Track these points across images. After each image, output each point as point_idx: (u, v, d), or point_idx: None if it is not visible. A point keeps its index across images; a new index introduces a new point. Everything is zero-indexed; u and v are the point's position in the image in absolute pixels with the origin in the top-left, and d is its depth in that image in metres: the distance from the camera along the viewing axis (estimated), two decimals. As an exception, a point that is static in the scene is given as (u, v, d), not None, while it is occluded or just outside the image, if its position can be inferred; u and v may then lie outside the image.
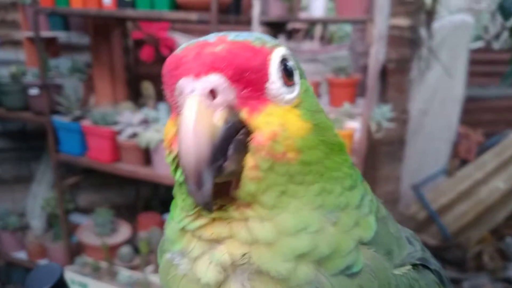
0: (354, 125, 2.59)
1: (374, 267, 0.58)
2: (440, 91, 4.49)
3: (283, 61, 0.57)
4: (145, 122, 2.88)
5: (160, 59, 3.69)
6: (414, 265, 0.64)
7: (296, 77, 0.59)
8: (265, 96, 0.55)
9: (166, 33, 3.60)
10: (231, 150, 0.51)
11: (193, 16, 2.40)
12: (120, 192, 4.12)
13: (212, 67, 0.51)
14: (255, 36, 0.57)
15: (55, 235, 3.47)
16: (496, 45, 6.25)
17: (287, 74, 0.57)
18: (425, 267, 0.66)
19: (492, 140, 4.80)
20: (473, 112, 5.00)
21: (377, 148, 3.50)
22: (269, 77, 0.55)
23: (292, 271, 0.53)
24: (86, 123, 2.93)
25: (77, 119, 3.00)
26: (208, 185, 0.48)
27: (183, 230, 0.58)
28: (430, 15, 3.53)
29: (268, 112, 0.54)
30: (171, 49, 3.60)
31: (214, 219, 0.55)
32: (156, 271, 3.05)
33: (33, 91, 3.03)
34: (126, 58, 3.61)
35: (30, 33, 3.33)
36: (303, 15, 2.95)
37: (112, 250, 3.18)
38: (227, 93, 0.51)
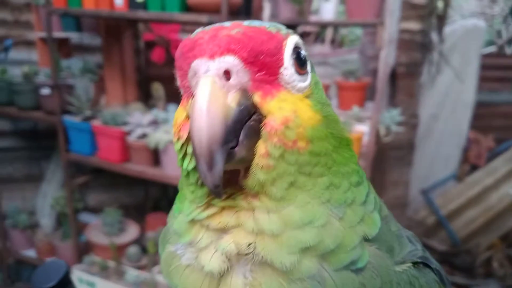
0: (362, 129, 2.58)
1: (377, 264, 0.58)
2: (451, 96, 4.46)
3: (296, 49, 0.57)
4: (155, 123, 2.90)
5: (171, 61, 3.71)
6: (415, 263, 0.64)
7: (308, 67, 0.59)
8: (278, 81, 0.55)
9: (177, 35, 3.62)
10: (242, 136, 0.51)
11: (203, 18, 2.42)
12: (129, 192, 4.15)
13: (227, 49, 0.51)
14: (270, 23, 0.57)
15: (64, 234, 3.50)
16: (509, 50, 6.20)
17: (300, 62, 0.57)
18: (426, 265, 0.66)
19: (503, 146, 4.75)
20: (484, 118, 4.95)
21: (386, 152, 3.48)
22: (283, 62, 0.55)
23: (296, 264, 0.53)
24: (96, 123, 2.96)
25: (88, 119, 3.03)
26: (219, 166, 0.48)
27: (192, 222, 0.59)
28: (442, 19, 3.51)
29: (281, 98, 0.54)
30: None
31: (222, 209, 0.56)
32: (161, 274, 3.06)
33: (45, 91, 3.07)
34: (137, 59, 3.64)
35: (43, 34, 3.37)
36: (313, 18, 2.96)
37: (120, 250, 3.20)
38: (241, 75, 0.52)
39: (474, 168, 4.67)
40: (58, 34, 3.45)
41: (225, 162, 0.49)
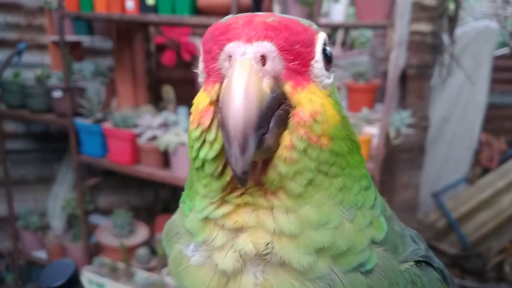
0: (372, 131, 2.57)
1: (384, 267, 0.58)
2: (462, 98, 4.42)
3: (324, 45, 0.58)
4: (165, 125, 2.91)
5: (181, 64, 3.74)
6: (417, 262, 0.64)
7: (333, 65, 0.60)
8: (309, 73, 0.55)
9: (187, 38, 3.64)
10: (272, 123, 0.50)
11: (213, 21, 2.41)
12: (139, 194, 4.17)
13: (264, 34, 0.51)
14: (300, 18, 0.58)
15: (74, 235, 3.53)
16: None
17: (327, 59, 0.58)
18: (428, 264, 0.66)
19: (515, 149, 4.70)
20: (495, 120, 4.90)
21: (396, 154, 3.46)
22: (315, 55, 0.56)
23: (312, 264, 0.53)
24: (107, 125, 2.98)
25: (99, 121, 3.05)
26: (251, 151, 0.47)
27: (205, 220, 0.57)
28: (453, 20, 3.49)
29: (311, 90, 0.54)
30: (192, 53, 3.64)
31: (238, 206, 0.55)
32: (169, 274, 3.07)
33: (57, 94, 3.10)
34: (147, 62, 3.67)
35: (55, 37, 3.41)
36: (323, 20, 2.95)
37: (129, 251, 3.22)
38: (277, 62, 0.51)
39: (485, 171, 4.63)
40: (70, 37, 3.49)
41: (256, 146, 0.48)
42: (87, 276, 3.07)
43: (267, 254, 0.53)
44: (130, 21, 2.97)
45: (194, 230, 0.59)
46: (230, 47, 0.51)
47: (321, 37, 0.57)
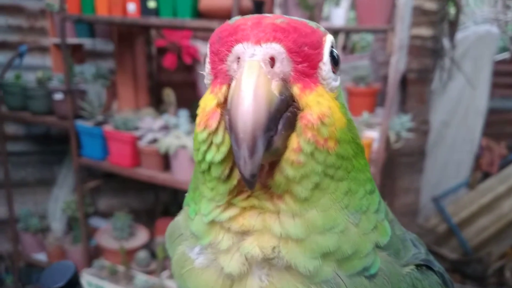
0: (372, 135, 2.57)
1: (388, 271, 0.58)
2: (462, 102, 4.43)
3: (332, 47, 0.57)
4: (166, 128, 2.92)
5: (182, 67, 3.75)
6: (418, 266, 0.64)
7: (339, 68, 0.59)
8: (316, 76, 0.55)
9: (189, 41, 3.65)
10: (280, 125, 0.50)
11: (214, 24, 2.44)
12: (139, 197, 4.17)
13: (273, 36, 0.51)
14: (308, 20, 0.58)
15: (74, 238, 3.53)
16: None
17: (334, 61, 0.57)
18: (429, 268, 0.66)
19: (516, 153, 4.70)
20: (496, 124, 4.90)
21: (397, 159, 3.46)
22: (323, 57, 0.55)
23: (318, 268, 0.53)
24: (108, 128, 2.98)
25: (100, 124, 3.06)
26: (260, 153, 0.46)
27: (211, 223, 0.57)
28: (454, 25, 3.49)
29: (319, 93, 0.54)
30: (193, 57, 3.65)
31: (244, 209, 0.55)
32: (172, 276, 3.06)
33: (58, 96, 3.11)
34: (148, 65, 3.68)
35: (57, 40, 3.42)
36: (324, 24, 2.96)
37: (129, 254, 3.21)
38: (285, 63, 0.51)
39: (486, 175, 4.62)
40: (72, 40, 3.50)
41: (265, 148, 0.47)
42: (86, 278, 3.07)
43: (273, 258, 0.53)
44: (132, 24, 2.98)
45: (199, 233, 0.59)
46: (239, 48, 0.51)
47: (329, 39, 0.57)
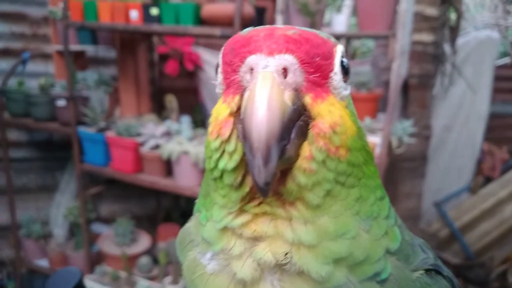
0: (375, 140, 2.57)
1: (398, 276, 0.59)
2: (464, 107, 4.43)
3: (342, 57, 0.58)
4: (168, 134, 2.92)
5: (184, 73, 3.76)
6: (427, 271, 0.65)
7: (349, 77, 0.60)
8: (328, 85, 0.56)
9: (190, 47, 3.67)
10: (293, 134, 0.51)
11: (216, 31, 2.45)
12: (141, 203, 4.17)
13: (286, 47, 0.52)
14: (318, 31, 0.59)
15: (76, 244, 3.53)
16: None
17: (345, 71, 0.58)
18: (438, 273, 0.66)
19: (517, 158, 4.70)
20: (497, 129, 4.90)
21: (399, 164, 3.46)
22: (334, 67, 0.56)
23: (331, 274, 0.54)
24: (110, 134, 2.99)
25: (102, 130, 3.07)
26: (274, 162, 0.47)
27: (223, 229, 0.58)
28: (455, 30, 3.50)
29: (330, 102, 0.55)
30: (195, 63, 3.67)
31: (256, 215, 0.55)
32: (174, 282, 3.06)
33: (61, 103, 3.12)
34: (151, 72, 3.69)
35: (59, 47, 3.44)
36: (325, 30, 2.97)
37: (131, 260, 3.21)
38: (298, 74, 0.52)
39: (488, 180, 4.61)
40: (74, 47, 3.52)
41: (279, 157, 0.48)
42: (89, 285, 3.07)
43: (286, 263, 0.54)
44: (134, 31, 3.00)
45: (211, 239, 0.59)
46: (252, 59, 0.52)
47: (339, 49, 0.58)
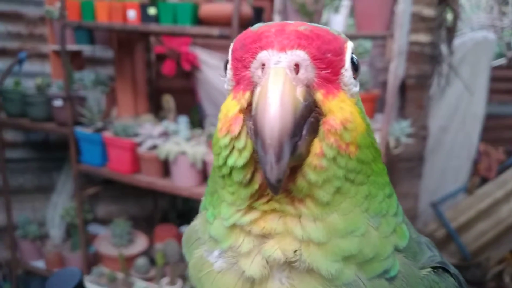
0: (373, 141, 2.57)
1: (406, 273, 0.59)
2: (460, 108, 4.44)
3: (352, 54, 0.58)
4: (165, 134, 2.92)
5: (181, 73, 3.76)
6: (435, 268, 0.65)
7: (359, 73, 0.60)
8: (338, 82, 0.56)
9: (188, 48, 3.66)
10: (304, 131, 0.51)
11: (214, 31, 2.45)
12: (138, 204, 4.16)
13: (297, 43, 0.52)
14: (329, 27, 0.58)
15: (73, 244, 3.51)
16: (518, 62, 6.16)
17: (354, 67, 0.58)
18: (445, 270, 0.66)
19: (513, 158, 4.71)
20: (494, 130, 4.92)
21: (396, 164, 3.47)
22: (345, 63, 0.56)
23: (340, 271, 0.53)
24: (107, 134, 2.98)
25: (99, 130, 3.06)
26: (286, 159, 0.47)
27: (232, 227, 0.57)
28: (451, 31, 3.52)
29: (341, 98, 0.54)
30: (192, 63, 3.66)
31: (265, 213, 0.55)
32: (171, 283, 3.06)
33: (57, 103, 3.11)
34: (148, 72, 3.69)
35: (56, 47, 3.43)
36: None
37: (128, 261, 3.20)
38: (309, 70, 0.52)
39: (484, 180, 4.62)
40: (71, 46, 3.50)
41: (291, 153, 0.48)
42: (86, 286, 3.05)
43: (295, 261, 0.53)
44: (132, 31, 2.99)
45: (219, 237, 0.59)
46: (264, 55, 0.52)
47: (350, 46, 0.58)
